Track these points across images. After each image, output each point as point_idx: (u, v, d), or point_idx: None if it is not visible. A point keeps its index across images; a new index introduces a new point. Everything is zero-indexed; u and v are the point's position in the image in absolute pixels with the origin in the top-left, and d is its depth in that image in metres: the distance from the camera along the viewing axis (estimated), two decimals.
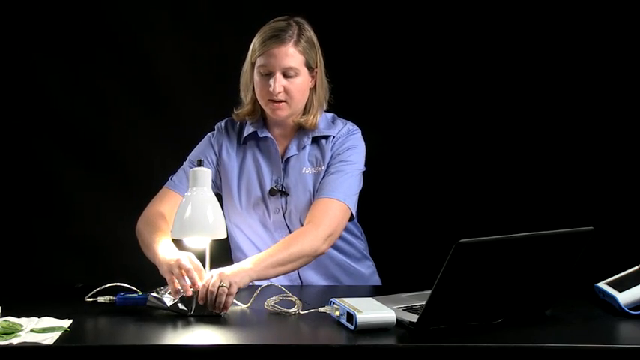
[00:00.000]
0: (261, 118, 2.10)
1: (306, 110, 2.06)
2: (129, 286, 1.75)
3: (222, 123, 2.15)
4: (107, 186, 2.88)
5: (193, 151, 2.14)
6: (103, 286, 1.75)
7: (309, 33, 2.03)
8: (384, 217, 2.77)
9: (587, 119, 2.77)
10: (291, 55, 1.97)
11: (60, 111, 2.86)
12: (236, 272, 1.73)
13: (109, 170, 2.88)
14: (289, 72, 1.97)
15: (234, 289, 1.67)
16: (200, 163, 1.80)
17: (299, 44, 1.98)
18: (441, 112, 2.85)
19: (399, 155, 2.84)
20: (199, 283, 1.67)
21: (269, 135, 2.08)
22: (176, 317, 1.65)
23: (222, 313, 1.66)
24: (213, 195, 1.77)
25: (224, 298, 1.65)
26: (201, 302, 1.65)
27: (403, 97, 2.85)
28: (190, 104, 2.86)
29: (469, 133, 2.84)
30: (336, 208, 1.97)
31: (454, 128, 2.85)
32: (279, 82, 1.96)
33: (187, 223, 1.72)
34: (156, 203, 2.04)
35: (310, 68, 2.02)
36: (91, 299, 1.73)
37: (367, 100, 2.79)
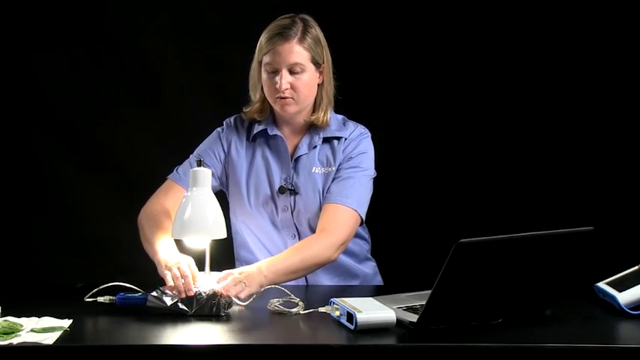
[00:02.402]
0: (270, 116, 2.09)
1: (315, 107, 2.07)
2: (129, 285, 1.75)
3: (232, 119, 2.15)
4: (107, 186, 2.88)
5: (201, 145, 2.13)
6: (103, 286, 1.75)
7: (315, 29, 2.03)
8: (385, 218, 2.76)
9: (587, 119, 2.78)
10: (297, 51, 1.97)
11: (60, 111, 2.87)
12: (253, 276, 1.75)
13: (109, 170, 2.88)
14: (295, 68, 1.97)
15: (244, 295, 1.70)
16: (200, 163, 1.79)
17: (304, 41, 1.98)
18: (441, 113, 2.85)
19: (400, 156, 2.84)
20: (194, 289, 1.67)
21: (279, 133, 2.08)
22: (176, 317, 1.65)
23: (222, 313, 1.66)
24: (213, 195, 1.77)
25: (234, 293, 1.68)
26: (218, 290, 1.67)
27: (404, 99, 2.86)
28: (191, 104, 2.86)
29: (470, 133, 2.85)
30: (348, 216, 1.98)
31: (455, 129, 2.85)
32: (285, 79, 1.97)
33: (187, 223, 1.72)
34: (160, 197, 2.04)
35: (317, 64, 2.02)
36: (91, 299, 1.73)
37: (368, 101, 2.79)
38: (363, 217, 2.03)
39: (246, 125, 2.12)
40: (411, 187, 2.86)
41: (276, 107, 2.03)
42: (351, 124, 2.11)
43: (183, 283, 1.68)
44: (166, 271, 1.72)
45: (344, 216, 1.98)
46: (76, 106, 2.87)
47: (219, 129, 2.14)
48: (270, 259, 1.87)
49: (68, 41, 2.84)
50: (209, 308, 1.66)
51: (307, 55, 1.99)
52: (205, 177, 1.76)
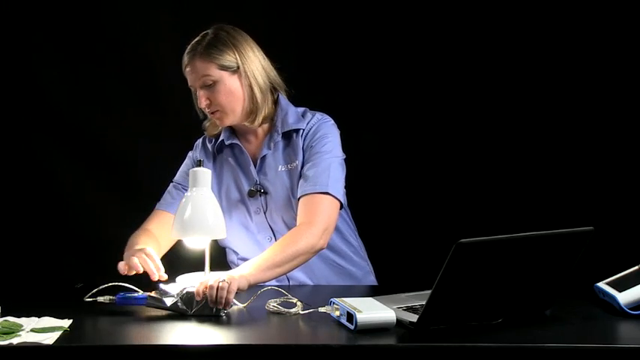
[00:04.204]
0: (229, 126, 2.11)
1: (250, 111, 2.05)
2: (129, 285, 1.75)
3: (200, 138, 2.20)
4: (107, 186, 2.88)
5: (177, 173, 2.17)
6: (103, 286, 1.75)
7: (222, 36, 2.03)
8: (383, 218, 2.77)
9: (587, 119, 2.77)
10: (199, 66, 2.00)
11: (60, 111, 2.86)
12: (234, 275, 1.73)
13: (109, 170, 2.88)
14: (206, 82, 2.00)
15: (234, 286, 1.67)
16: (200, 163, 1.80)
17: (204, 54, 2.00)
18: (439, 112, 2.85)
19: (398, 155, 2.83)
20: (154, 272, 1.76)
21: (236, 141, 2.10)
22: (176, 317, 1.65)
23: (222, 313, 1.66)
24: (213, 195, 1.77)
25: (224, 293, 1.65)
26: (197, 299, 1.66)
27: (401, 97, 2.85)
28: (191, 104, 2.85)
29: (468, 132, 2.84)
30: (323, 202, 1.97)
31: (453, 128, 2.85)
32: (201, 97, 2.01)
33: (187, 223, 1.72)
34: (143, 224, 2.08)
35: (230, 69, 2.01)
36: (91, 299, 1.73)
37: (364, 100, 2.79)
38: (340, 199, 2.00)
39: (213, 140, 2.15)
40: (410, 187, 2.86)
41: (215, 122, 2.07)
42: (309, 114, 2.10)
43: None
44: (132, 257, 1.79)
45: (319, 202, 1.96)
46: (76, 106, 2.87)
47: (190, 152, 2.20)
48: (251, 259, 1.87)
49: (68, 41, 2.84)
50: (209, 308, 1.66)
51: (212, 65, 1.99)
52: (205, 177, 1.76)
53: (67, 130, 2.86)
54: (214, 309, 1.66)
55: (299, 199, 1.99)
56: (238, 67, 2.02)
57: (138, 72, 2.86)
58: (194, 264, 1.84)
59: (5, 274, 2.78)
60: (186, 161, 2.18)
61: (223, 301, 1.65)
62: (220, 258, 2.15)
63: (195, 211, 1.72)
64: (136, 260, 1.79)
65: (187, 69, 2.03)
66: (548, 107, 2.80)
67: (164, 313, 1.67)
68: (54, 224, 2.89)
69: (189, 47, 2.04)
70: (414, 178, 2.85)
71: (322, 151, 2.03)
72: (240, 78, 2.02)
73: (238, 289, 1.70)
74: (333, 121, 2.09)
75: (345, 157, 2.08)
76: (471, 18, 2.81)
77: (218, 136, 2.14)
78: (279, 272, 1.86)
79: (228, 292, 1.65)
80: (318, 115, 2.09)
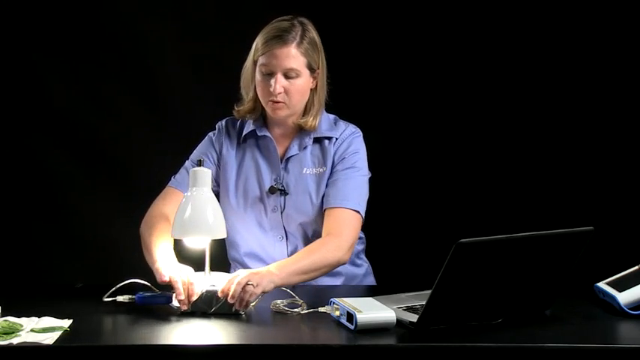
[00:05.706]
0: (261, 117, 2.09)
1: (306, 111, 2.06)
2: (146, 282, 1.74)
3: (223, 122, 2.15)
4: (107, 186, 2.88)
5: (195, 150, 2.14)
6: (120, 284, 1.72)
7: (313, 34, 2.02)
8: (383, 218, 2.76)
9: (587, 119, 2.78)
10: (293, 56, 1.97)
11: (60, 111, 2.87)
12: (263, 275, 1.73)
13: (109, 170, 2.89)
14: (290, 73, 1.97)
15: (259, 291, 1.68)
16: (200, 163, 1.80)
17: (301, 46, 1.98)
18: (440, 112, 2.85)
19: (398, 155, 2.84)
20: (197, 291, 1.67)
21: (268, 134, 2.08)
22: (176, 317, 1.65)
23: (242, 313, 1.66)
24: (213, 195, 1.77)
25: (247, 296, 1.65)
26: (220, 295, 1.66)
27: (402, 97, 2.85)
28: (190, 104, 2.86)
29: (469, 133, 2.85)
30: (352, 218, 1.98)
31: (453, 128, 2.85)
32: (279, 83, 1.96)
33: (187, 223, 1.72)
34: (158, 203, 2.04)
35: (312, 70, 2.01)
36: (110, 299, 1.71)
37: (365, 99, 2.79)
38: (364, 218, 2.03)
39: (238, 127, 2.13)
40: (410, 187, 2.86)
41: (268, 109, 2.03)
42: (342, 124, 2.11)
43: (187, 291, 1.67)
44: (176, 279, 1.70)
45: (347, 218, 1.98)
46: (77, 106, 2.87)
47: (211, 133, 2.15)
48: (279, 261, 1.88)
49: (69, 42, 2.84)
50: (228, 307, 1.66)
51: (303, 60, 1.98)
52: (205, 177, 1.76)
53: (67, 130, 2.86)
54: (234, 308, 1.66)
55: (327, 209, 2.00)
56: (316, 70, 2.03)
57: (138, 72, 2.86)
58: (194, 264, 1.83)
59: (5, 274, 2.78)
60: (205, 140, 2.14)
61: (244, 303, 1.65)
62: (220, 258, 2.14)
63: (195, 211, 1.72)
64: (179, 285, 1.68)
65: (274, 51, 1.96)
66: (548, 107, 2.80)
67: (164, 312, 1.67)
68: (54, 224, 2.89)
69: (278, 30, 1.97)
70: (414, 178, 2.85)
71: (356, 167, 2.05)
72: (314, 80, 2.04)
73: (263, 292, 1.70)
74: (362, 136, 2.11)
75: (370, 174, 2.10)
76: (472, 19, 2.81)
77: (243, 121, 2.12)
78: (304, 279, 1.87)
79: (251, 294, 1.66)
80: (352, 127, 2.10)
